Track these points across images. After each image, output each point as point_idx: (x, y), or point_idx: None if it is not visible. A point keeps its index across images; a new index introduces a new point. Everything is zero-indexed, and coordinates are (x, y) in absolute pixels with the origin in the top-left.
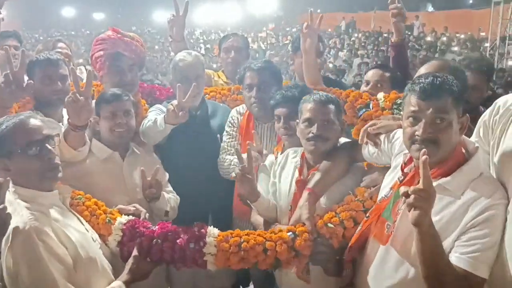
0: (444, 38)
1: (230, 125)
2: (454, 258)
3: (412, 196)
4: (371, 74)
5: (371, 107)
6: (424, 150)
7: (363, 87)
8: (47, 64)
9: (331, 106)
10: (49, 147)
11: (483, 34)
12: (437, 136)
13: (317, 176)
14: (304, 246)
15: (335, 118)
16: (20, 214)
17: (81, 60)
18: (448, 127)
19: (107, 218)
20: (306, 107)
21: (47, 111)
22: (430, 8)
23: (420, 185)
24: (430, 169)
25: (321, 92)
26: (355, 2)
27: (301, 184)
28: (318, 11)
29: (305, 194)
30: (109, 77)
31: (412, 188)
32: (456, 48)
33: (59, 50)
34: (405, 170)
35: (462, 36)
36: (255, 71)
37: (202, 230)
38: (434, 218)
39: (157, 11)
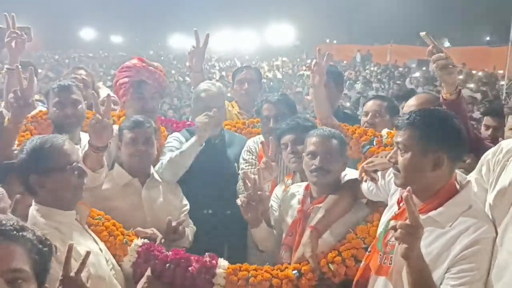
0: (461, 76)
1: (248, 153)
2: None
3: (398, 231)
4: (370, 105)
5: (374, 143)
6: (409, 188)
7: (363, 118)
8: (59, 90)
9: (334, 141)
10: (84, 167)
11: (500, 71)
12: (398, 162)
13: (320, 213)
14: (308, 285)
15: (338, 152)
16: None
17: (100, 83)
18: (407, 157)
19: (124, 239)
20: (311, 141)
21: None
22: (446, 44)
23: (407, 221)
24: (422, 203)
25: (325, 127)
26: (371, 34)
27: (302, 214)
28: (335, 42)
29: (307, 231)
30: (132, 103)
31: (399, 223)
32: (472, 85)
33: (76, 76)
34: (401, 204)
35: (480, 73)
36: (272, 103)
37: (213, 261)
38: (426, 250)
39: (174, 36)
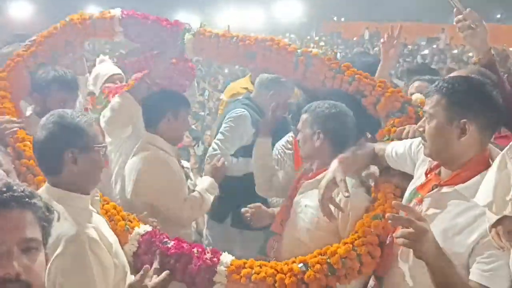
0: (471, 53)
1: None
2: (476, 276)
3: (401, 239)
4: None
5: (407, 111)
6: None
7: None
8: (68, 83)
9: (304, 115)
10: None
11: (511, 49)
12: (425, 130)
13: (346, 152)
14: (314, 279)
15: (309, 127)
16: (67, 220)
17: (107, 57)
18: (433, 125)
19: (126, 225)
20: None
21: None
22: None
23: (410, 229)
24: (451, 173)
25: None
26: (379, 12)
27: (292, 190)
28: (342, 19)
29: (335, 161)
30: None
31: (400, 231)
32: None
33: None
34: (429, 176)
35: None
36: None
37: (215, 258)
38: (450, 223)
39: (180, 15)
